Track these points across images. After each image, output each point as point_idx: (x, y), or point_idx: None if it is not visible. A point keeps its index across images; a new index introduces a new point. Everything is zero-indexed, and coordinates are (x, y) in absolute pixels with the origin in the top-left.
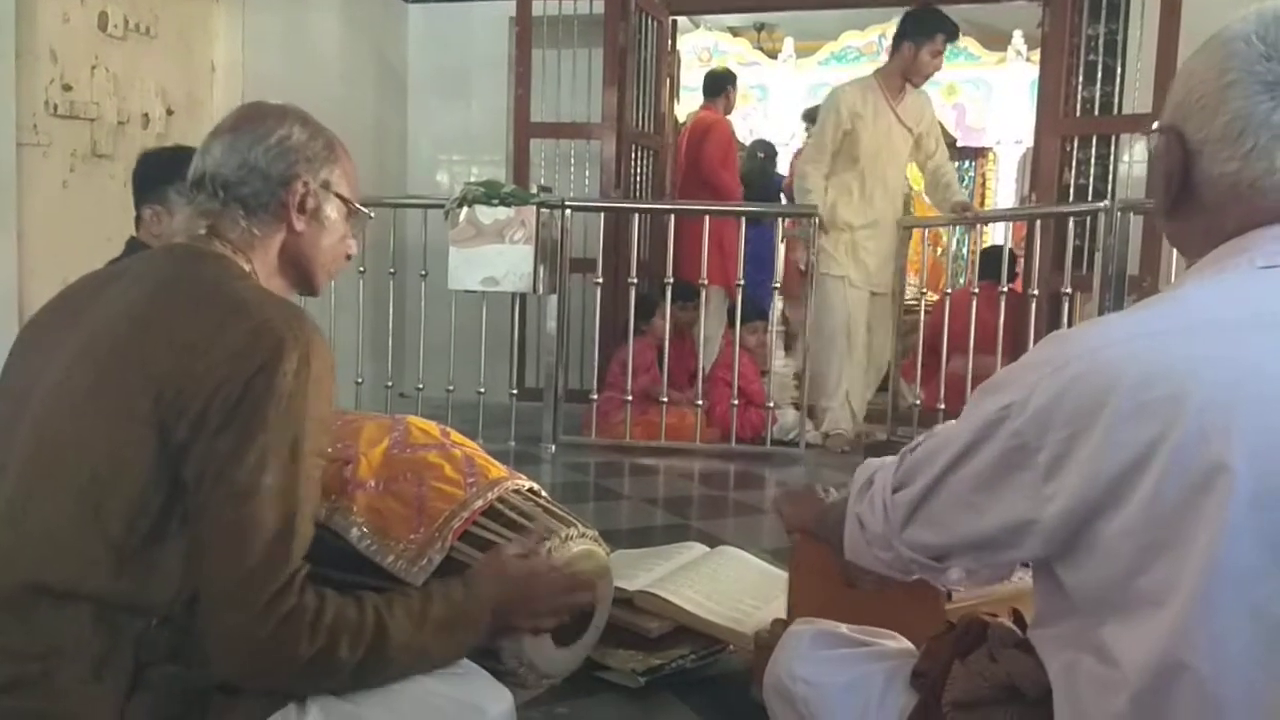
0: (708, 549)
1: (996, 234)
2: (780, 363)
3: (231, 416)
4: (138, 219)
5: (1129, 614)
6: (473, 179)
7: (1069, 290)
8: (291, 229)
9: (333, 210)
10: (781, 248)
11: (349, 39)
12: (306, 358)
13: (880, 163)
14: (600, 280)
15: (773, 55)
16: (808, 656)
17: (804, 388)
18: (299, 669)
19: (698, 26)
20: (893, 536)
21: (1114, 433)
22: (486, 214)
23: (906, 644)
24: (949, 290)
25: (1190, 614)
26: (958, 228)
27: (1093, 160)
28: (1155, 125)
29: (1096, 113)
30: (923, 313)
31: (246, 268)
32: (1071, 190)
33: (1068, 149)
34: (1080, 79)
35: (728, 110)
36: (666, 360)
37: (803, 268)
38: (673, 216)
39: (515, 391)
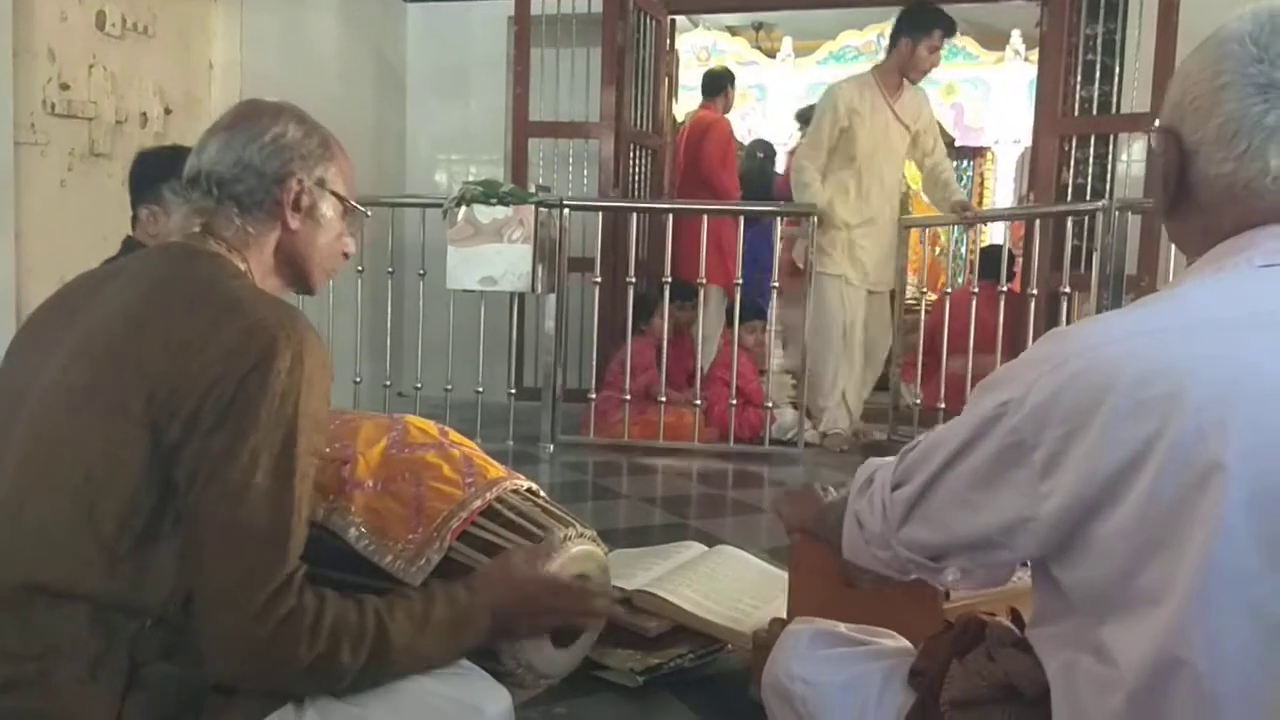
0: (706, 548)
1: (995, 233)
2: (775, 361)
3: (224, 416)
4: (134, 218)
5: (1126, 613)
6: (471, 178)
7: (1067, 289)
8: (286, 227)
9: (328, 208)
10: (779, 247)
11: (347, 38)
12: (300, 356)
13: (877, 161)
14: (599, 280)
15: (771, 55)
16: (806, 656)
17: (802, 387)
18: (299, 672)
19: (696, 26)
20: (890, 535)
21: (1111, 430)
22: (485, 213)
23: (904, 643)
24: (948, 290)
25: (1187, 612)
26: (956, 227)
27: (1091, 160)
28: (1155, 124)
29: (1095, 112)
30: (923, 312)
31: (242, 266)
32: (1070, 190)
33: (1066, 148)
34: (1078, 78)
35: (726, 109)
36: (665, 360)
37: (800, 265)
38: (671, 216)
39: (513, 391)
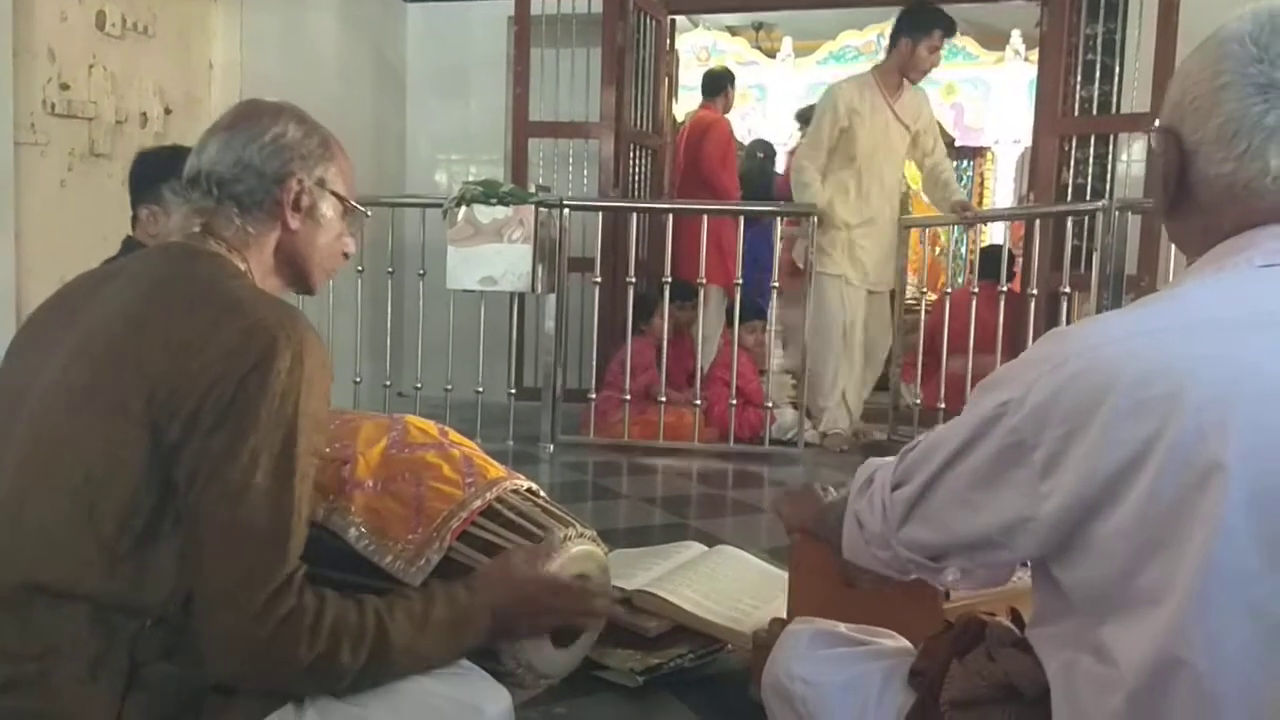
0: (706, 548)
1: (995, 233)
2: (775, 361)
3: (224, 416)
4: (134, 218)
5: (1126, 613)
6: (471, 178)
7: (1067, 289)
8: (286, 227)
9: (328, 208)
10: (779, 246)
11: (347, 38)
12: (300, 356)
13: (877, 161)
14: (599, 280)
15: (771, 55)
16: (806, 656)
17: (802, 387)
18: (299, 672)
19: (696, 26)
20: (890, 535)
21: (1111, 430)
22: (485, 213)
23: (905, 643)
24: (949, 290)
25: (1187, 612)
26: (956, 227)
27: (1091, 159)
28: (1155, 124)
29: (1095, 112)
30: (923, 312)
31: (242, 266)
32: (1070, 190)
33: (1066, 148)
34: (1078, 78)
35: (726, 109)
36: (665, 360)
37: (800, 265)
38: (671, 216)
39: (513, 391)
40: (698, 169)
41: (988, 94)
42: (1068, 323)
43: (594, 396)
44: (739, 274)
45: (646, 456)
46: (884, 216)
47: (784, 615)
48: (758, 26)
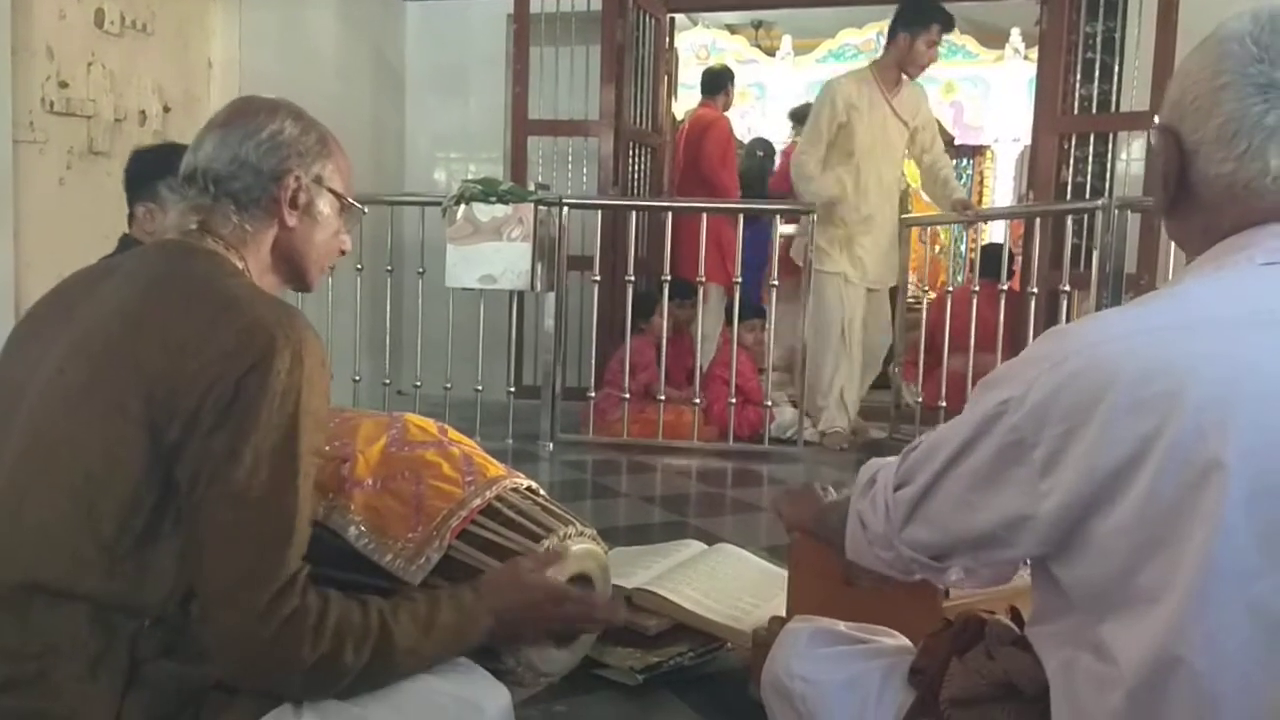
0: (706, 547)
1: (995, 232)
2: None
3: (225, 417)
4: (131, 216)
5: (1126, 611)
6: (470, 176)
7: (1067, 288)
8: (284, 224)
9: (325, 205)
10: (778, 245)
11: (346, 36)
12: (299, 355)
13: (875, 157)
14: (598, 278)
15: (770, 53)
16: (806, 654)
17: (801, 386)
18: (303, 672)
19: (695, 24)
20: (893, 535)
21: (1110, 428)
22: (484, 211)
23: (904, 641)
24: (950, 288)
25: (1186, 610)
26: (956, 225)
27: (1090, 158)
28: (1155, 122)
29: (1094, 110)
30: (925, 311)
31: (239, 264)
32: (1069, 188)
33: (1065, 147)
34: (1078, 77)
35: (726, 107)
36: (664, 358)
37: (800, 262)
38: (670, 214)
39: (513, 389)
40: (697, 167)
41: (987, 92)
42: (1068, 321)
43: (593, 395)
44: (738, 272)
45: (646, 455)
46: (883, 214)
47: (784, 614)
48: (757, 25)
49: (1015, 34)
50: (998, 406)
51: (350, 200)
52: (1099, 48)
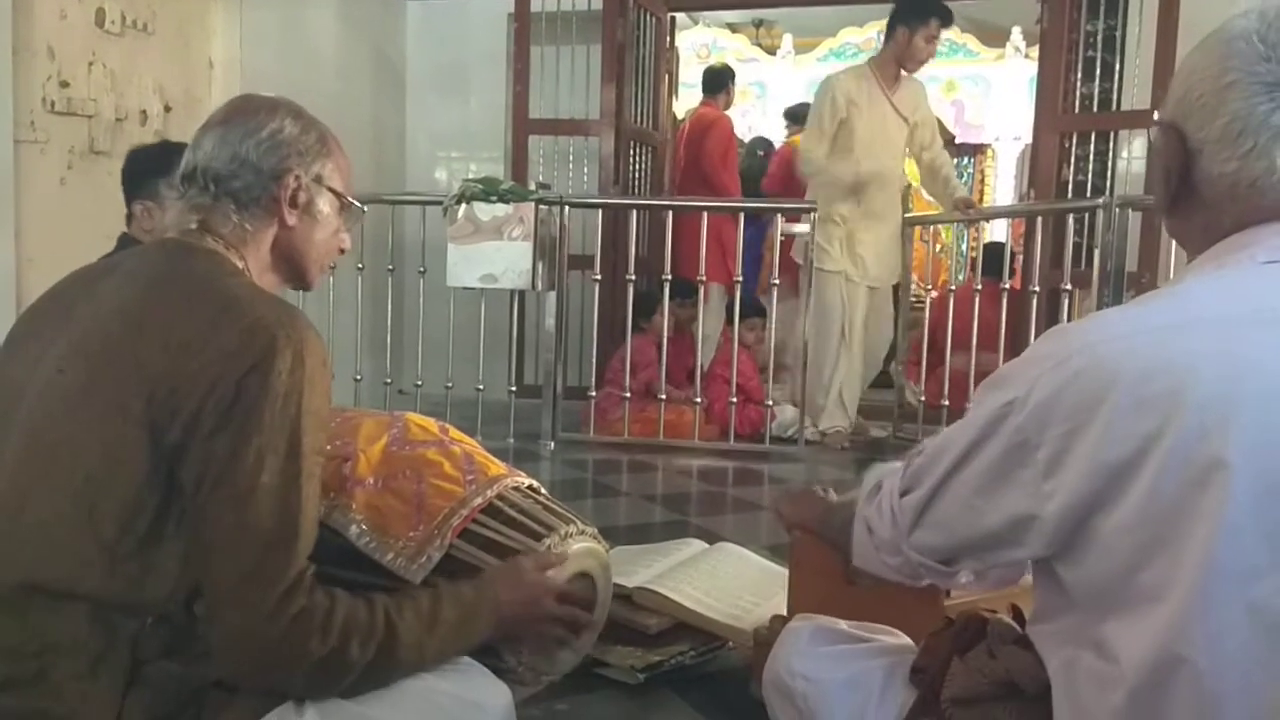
0: (706, 545)
1: (997, 230)
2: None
3: (227, 418)
4: (129, 215)
5: (1128, 609)
6: (471, 176)
7: (1068, 287)
8: (283, 223)
9: (325, 204)
10: (778, 244)
11: (347, 35)
12: (300, 355)
13: (875, 152)
14: (599, 277)
15: (771, 52)
16: (807, 653)
17: (801, 384)
18: (310, 669)
19: (696, 23)
20: (901, 541)
21: (1112, 428)
22: (485, 211)
23: (906, 640)
24: (952, 287)
25: (1188, 610)
26: (957, 224)
27: (1091, 156)
28: (1156, 117)
29: (1095, 109)
30: (928, 310)
31: (239, 264)
32: (1070, 187)
33: (1066, 145)
34: (1079, 75)
35: (727, 106)
36: (665, 357)
37: (800, 261)
38: (671, 213)
39: (514, 388)
40: (698, 166)
41: (988, 91)
42: (1069, 320)
43: (594, 394)
44: (739, 271)
45: (647, 454)
46: (884, 210)
47: (784, 612)
48: (758, 23)
49: (1016, 32)
50: (1002, 408)
51: (350, 199)
52: (1100, 46)
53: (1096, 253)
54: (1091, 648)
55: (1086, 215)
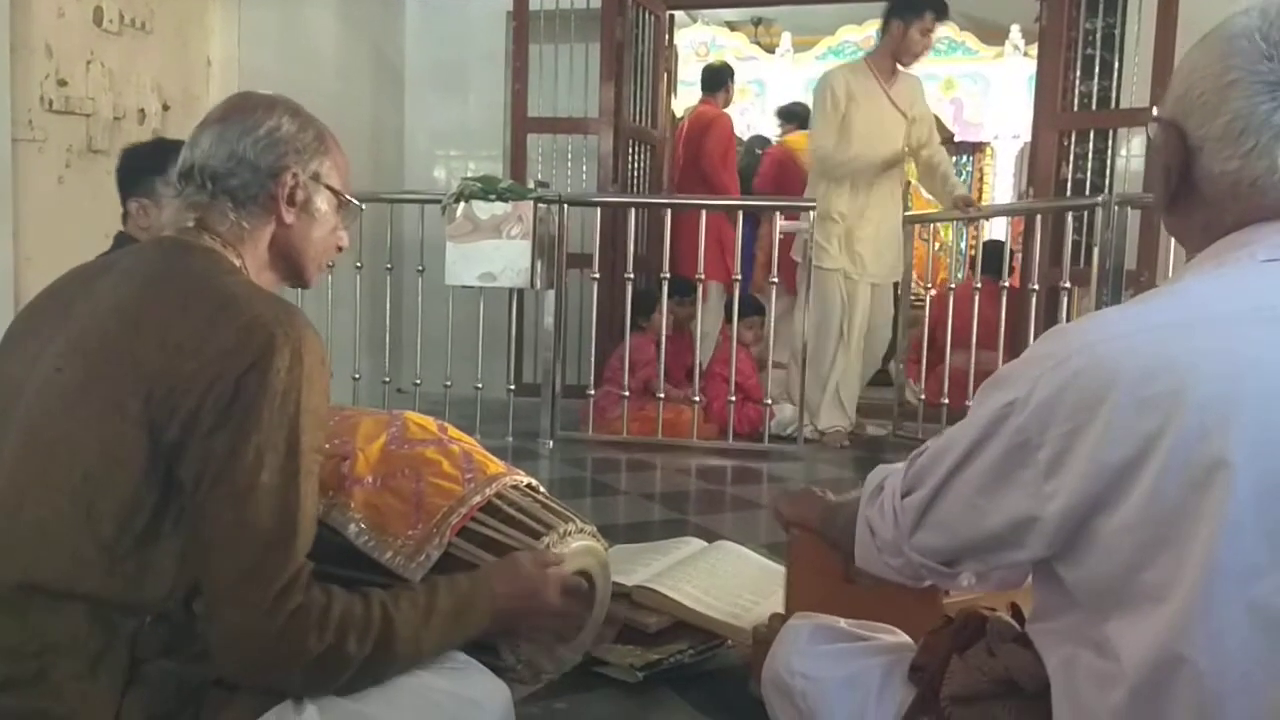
0: (705, 544)
1: (996, 229)
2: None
3: (225, 416)
4: (125, 214)
5: (1130, 609)
6: (470, 174)
7: (1067, 285)
8: (281, 221)
9: (323, 202)
10: (778, 242)
11: (345, 34)
12: (299, 353)
13: (874, 147)
14: (598, 275)
15: (770, 50)
16: (806, 651)
17: (801, 383)
18: (307, 665)
19: (695, 21)
20: (903, 542)
21: (1113, 428)
22: (484, 209)
23: (905, 638)
24: (952, 285)
25: (1190, 609)
26: (956, 222)
27: (1090, 154)
28: (1155, 113)
29: (1094, 107)
30: (927, 308)
31: (236, 262)
32: (1069, 185)
33: (1065, 143)
34: (1078, 73)
35: (727, 104)
36: (664, 356)
37: (799, 259)
38: (670, 211)
39: (513, 387)
40: (698, 165)
41: (987, 89)
42: (1068, 318)
43: (593, 393)
44: (737, 270)
45: (645, 452)
46: (884, 206)
47: (781, 610)
48: (756, 22)
49: (1015, 30)
50: (1003, 408)
51: (348, 197)
52: (1099, 44)
53: (1095, 251)
54: (1092, 646)
55: (1085, 213)
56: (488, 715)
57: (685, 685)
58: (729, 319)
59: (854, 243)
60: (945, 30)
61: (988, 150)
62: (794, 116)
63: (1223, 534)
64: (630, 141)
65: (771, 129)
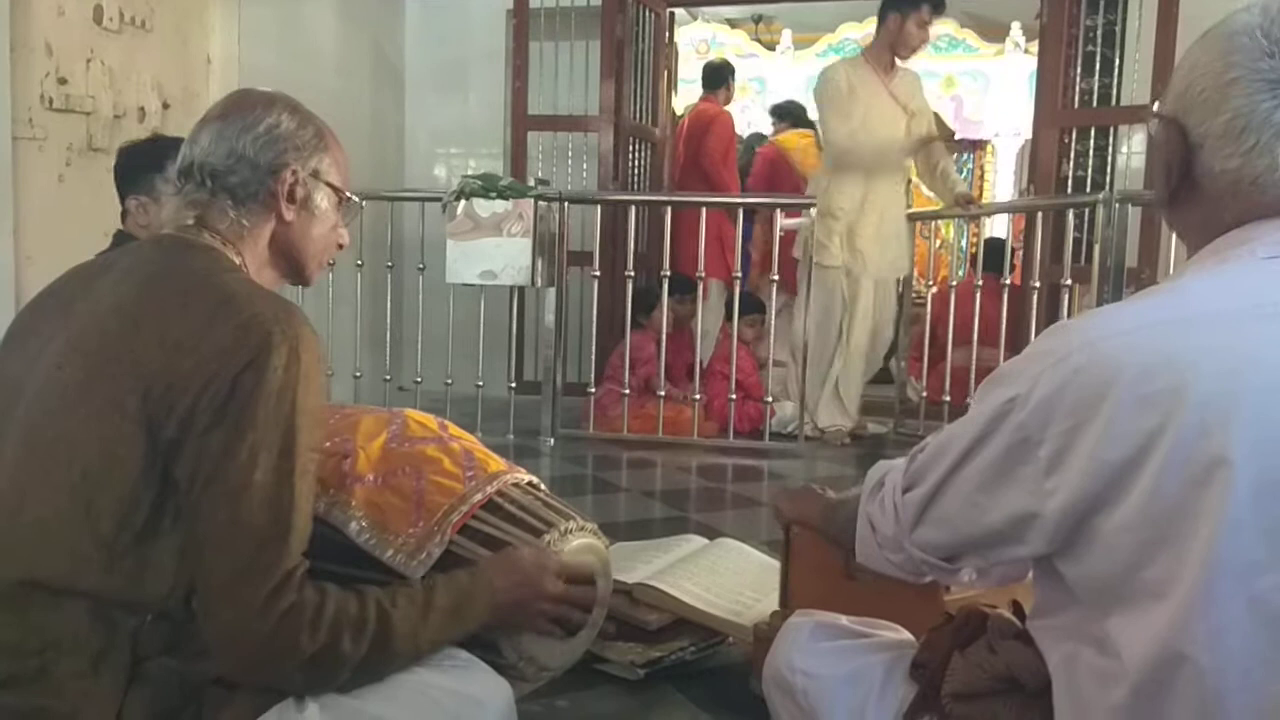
0: (706, 541)
1: (997, 226)
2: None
3: (221, 414)
4: (124, 211)
5: (1131, 606)
6: (470, 172)
7: (1068, 282)
8: (281, 219)
9: (323, 199)
10: (778, 239)
11: (345, 32)
12: (296, 352)
13: (876, 139)
14: (598, 273)
15: (770, 47)
16: (807, 648)
17: (801, 381)
18: (301, 665)
19: (695, 19)
20: (903, 538)
21: (1114, 425)
22: (484, 207)
23: (906, 635)
24: (953, 283)
25: (1191, 607)
26: (956, 219)
27: (1091, 152)
28: (1155, 109)
29: (1095, 104)
30: (929, 306)
31: (236, 260)
32: (1070, 182)
33: (1066, 141)
34: (1078, 70)
35: (727, 101)
36: (664, 353)
37: (799, 256)
38: (670, 209)
39: (513, 385)
40: (698, 162)
41: (987, 86)
42: (1069, 315)
43: (594, 390)
44: (738, 267)
45: (646, 450)
46: (885, 202)
47: (779, 607)
48: (757, 19)
49: (1015, 28)
50: (1004, 405)
51: (348, 194)
52: (1099, 41)
53: (1096, 248)
54: (1093, 644)
55: (1086, 210)
56: (489, 713)
57: (686, 683)
58: (729, 317)
59: (856, 239)
60: (945, 28)
61: (988, 148)
62: (787, 114)
63: (1223, 531)
64: (630, 139)
65: (769, 126)
